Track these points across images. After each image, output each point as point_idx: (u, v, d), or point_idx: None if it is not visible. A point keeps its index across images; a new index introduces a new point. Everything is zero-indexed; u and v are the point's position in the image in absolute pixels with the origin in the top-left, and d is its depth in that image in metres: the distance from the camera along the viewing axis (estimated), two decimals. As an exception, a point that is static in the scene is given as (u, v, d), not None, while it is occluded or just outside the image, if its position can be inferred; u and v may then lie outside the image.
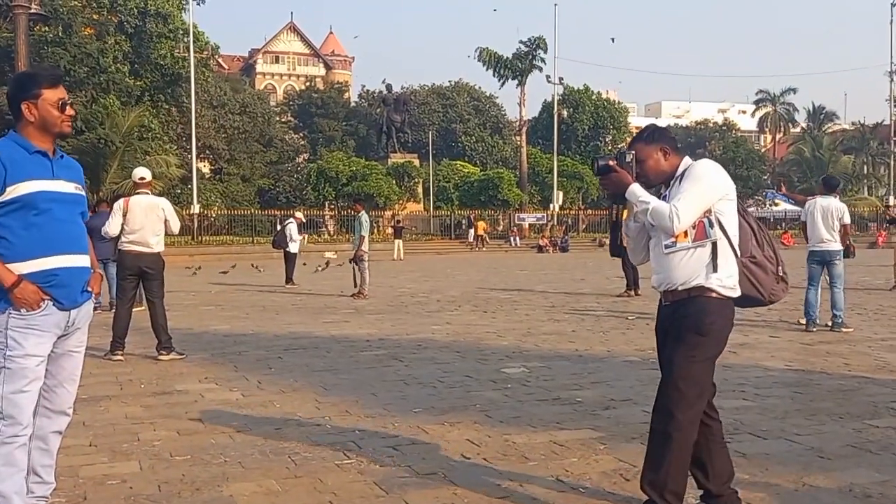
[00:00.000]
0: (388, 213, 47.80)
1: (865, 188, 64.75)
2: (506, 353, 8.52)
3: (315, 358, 8.34)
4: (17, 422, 3.25)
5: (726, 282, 3.49)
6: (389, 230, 44.13)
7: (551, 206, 52.59)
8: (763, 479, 4.27)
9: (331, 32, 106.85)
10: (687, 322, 3.49)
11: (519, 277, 22.21)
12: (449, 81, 79.23)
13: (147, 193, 8.43)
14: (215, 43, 50.48)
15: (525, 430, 5.30)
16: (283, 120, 75.00)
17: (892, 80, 52.85)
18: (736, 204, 3.58)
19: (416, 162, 54.52)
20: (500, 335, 9.92)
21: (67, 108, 3.43)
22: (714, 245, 3.47)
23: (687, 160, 3.63)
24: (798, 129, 79.32)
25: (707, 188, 3.47)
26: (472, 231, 46.82)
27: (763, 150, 79.15)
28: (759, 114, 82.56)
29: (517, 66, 56.05)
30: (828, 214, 10.08)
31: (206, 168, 60.00)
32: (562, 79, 56.59)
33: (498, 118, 77.49)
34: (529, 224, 52.68)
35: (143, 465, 4.63)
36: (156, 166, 36.66)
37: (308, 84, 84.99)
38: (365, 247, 15.91)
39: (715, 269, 3.46)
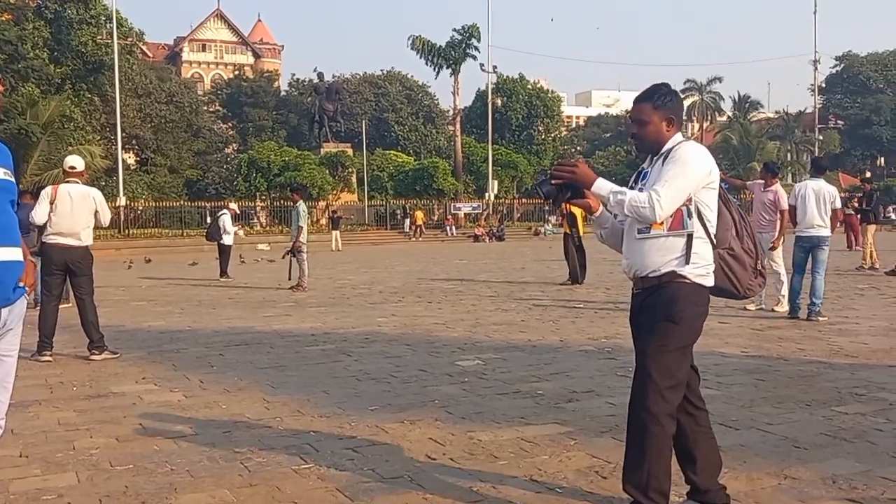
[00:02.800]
0: (323, 204, 47.16)
1: (790, 175, 66.34)
2: (457, 344, 8.27)
3: (259, 354, 7.96)
4: (-59, 436, 2.87)
5: (700, 270, 3.31)
6: (324, 221, 43.58)
7: (486, 195, 52.71)
8: (744, 471, 4.12)
9: (259, 20, 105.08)
10: (658, 310, 3.31)
11: (459, 267, 22.01)
12: (381, 70, 78.73)
13: (77, 183, 7.91)
14: (139, 30, 49.05)
15: (489, 427, 5.06)
16: (211, 109, 73.47)
17: (815, 68, 54.27)
18: (718, 192, 3.38)
19: (350, 151, 53.93)
20: (449, 326, 9.67)
21: None
22: (689, 237, 3.28)
23: (677, 137, 3.41)
24: (724, 118, 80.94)
25: (692, 174, 3.26)
26: (408, 221, 46.56)
27: (691, 138, 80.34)
28: (686, 103, 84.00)
29: (450, 55, 55.88)
30: (821, 198, 9.70)
31: (131, 159, 58.42)
32: (495, 67, 56.72)
33: (431, 107, 77.27)
34: (465, 213, 52.64)
35: (81, 476, 4.24)
36: (79, 155, 35.45)
37: (236, 73, 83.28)
38: (303, 238, 15.48)
39: (687, 262, 3.28)
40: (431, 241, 42.90)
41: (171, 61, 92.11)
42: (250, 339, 9.00)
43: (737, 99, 79.38)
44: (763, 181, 10.83)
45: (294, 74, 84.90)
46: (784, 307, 10.15)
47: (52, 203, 7.66)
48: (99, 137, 47.76)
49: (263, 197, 50.15)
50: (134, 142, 55.44)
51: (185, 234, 39.97)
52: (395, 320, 10.38)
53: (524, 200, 57.85)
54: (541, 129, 66.08)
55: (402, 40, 70.08)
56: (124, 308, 12.52)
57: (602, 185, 3.28)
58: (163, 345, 8.71)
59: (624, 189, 3.30)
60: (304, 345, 8.52)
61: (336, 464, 4.38)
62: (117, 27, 41.30)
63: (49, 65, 39.66)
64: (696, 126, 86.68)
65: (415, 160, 60.60)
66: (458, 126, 58.22)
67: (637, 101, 3.43)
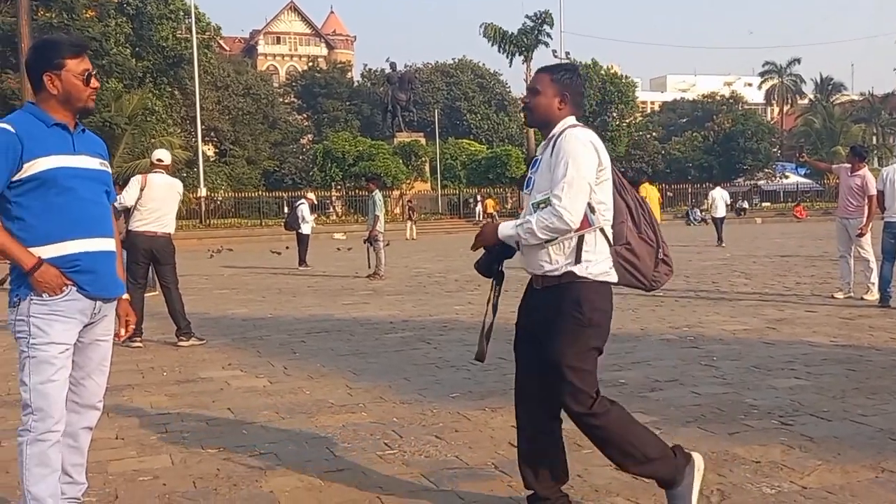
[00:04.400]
0: (396, 193, 47.49)
1: (875, 159, 64.04)
2: (536, 332, 8.23)
3: (339, 342, 8.07)
4: (47, 415, 2.98)
5: (597, 268, 3.13)
6: (398, 210, 43.90)
7: (560, 182, 52.20)
8: (838, 464, 3.99)
9: (332, 12, 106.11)
10: (563, 312, 3.13)
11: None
12: (453, 59, 78.64)
13: (163, 174, 8.16)
14: (217, 24, 50.06)
15: (572, 415, 5.01)
16: (286, 101, 74.54)
17: (902, 49, 52.11)
18: (611, 181, 3.18)
19: (423, 141, 54.14)
20: (527, 314, 9.62)
21: (92, 80, 3.13)
22: (581, 237, 3.09)
23: (566, 122, 3.20)
24: (805, 101, 78.61)
25: (584, 168, 3.04)
26: (479, 209, 46.52)
27: (771, 122, 78.38)
28: (765, 86, 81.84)
29: (522, 42, 55.49)
30: None
31: (210, 151, 59.70)
32: (568, 53, 56.03)
33: (503, 95, 76.89)
34: (538, 201, 52.30)
35: (175, 458, 4.37)
36: (160, 148, 36.43)
37: (310, 64, 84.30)
38: (380, 227, 15.61)
39: (577, 261, 3.10)
40: (505, 230, 42.77)
41: (248, 54, 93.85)
42: (330, 326, 9.13)
43: (819, 81, 76.96)
44: (850, 165, 10.46)
45: (366, 65, 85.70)
46: (874, 295, 9.82)
47: (141, 190, 7.90)
48: (179, 130, 48.98)
49: (339, 187, 50.75)
50: (213, 134, 56.65)
51: (263, 223, 40.79)
52: (472, 308, 10.39)
53: (598, 188, 57.23)
54: (615, 115, 65.23)
55: (474, 28, 70.13)
56: (208, 296, 12.84)
57: (506, 228, 3.15)
58: (246, 332, 8.90)
59: (526, 217, 3.11)
60: (383, 332, 8.61)
61: (420, 450, 4.41)
62: (195, 22, 42.24)
63: (131, 60, 40.77)
64: (776, 110, 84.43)
65: (487, 148, 60.46)
66: (530, 113, 57.81)
67: (538, 70, 3.34)
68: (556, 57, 53.37)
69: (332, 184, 50.57)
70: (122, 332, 3.35)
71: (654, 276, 3.30)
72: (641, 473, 3.31)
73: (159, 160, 8.27)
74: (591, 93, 62.41)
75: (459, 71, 75.82)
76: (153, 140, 36.68)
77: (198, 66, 41.55)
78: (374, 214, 15.66)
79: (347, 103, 74.76)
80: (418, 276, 15.96)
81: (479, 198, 48.47)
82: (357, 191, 48.28)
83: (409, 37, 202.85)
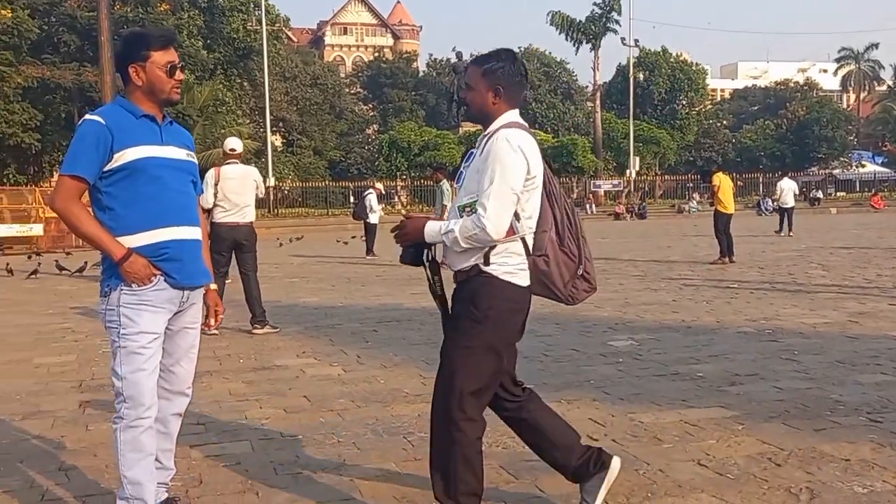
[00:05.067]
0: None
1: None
2: (608, 324, 8.15)
3: (410, 331, 8.10)
4: (138, 403, 3.04)
5: (506, 268, 3.01)
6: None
7: (627, 172, 51.63)
8: (934, 464, 3.84)
9: (398, 2, 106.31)
10: (462, 306, 3.05)
11: (601, 245, 21.65)
12: (519, 48, 78.00)
13: (237, 163, 8.27)
14: (285, 15, 50.68)
15: (650, 409, 4.94)
16: (352, 91, 75.10)
17: None
18: (541, 190, 3.05)
19: (488, 130, 53.93)
20: (598, 306, 9.51)
21: (177, 72, 3.17)
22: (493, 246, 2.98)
23: (506, 117, 3.07)
24: (883, 87, 76.01)
25: (511, 175, 2.91)
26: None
27: (847, 109, 76.01)
28: (841, 72, 79.45)
29: (590, 29, 54.88)
30: None
31: (278, 141, 60.53)
32: (637, 41, 55.19)
33: (569, 84, 76.14)
34: (605, 191, 51.80)
35: (255, 445, 4.44)
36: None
37: (376, 55, 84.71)
38: (447, 216, 15.59)
39: (487, 263, 2.99)
40: (571, 220, 42.45)
41: (315, 45, 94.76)
42: (400, 315, 9.17)
43: (898, 66, 74.24)
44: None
45: (432, 55, 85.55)
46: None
47: (216, 185, 8.02)
48: (248, 120, 49.80)
49: (404, 177, 51.00)
50: (281, 124, 57.42)
51: (329, 213, 41.27)
52: (542, 299, 10.29)
53: (667, 177, 56.41)
54: (684, 103, 64.06)
55: (540, 17, 69.50)
56: (279, 284, 13.03)
57: (432, 231, 3.03)
58: (318, 320, 9.00)
59: (450, 224, 2.99)
60: (453, 322, 8.59)
61: (497, 441, 4.38)
62: (265, 14, 42.80)
63: (203, 52, 41.50)
64: (853, 97, 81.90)
65: (553, 137, 59.97)
66: (597, 102, 57.18)
67: (470, 63, 3.19)
68: (624, 45, 52.68)
69: (398, 174, 50.84)
70: (213, 321, 3.40)
71: (572, 291, 3.17)
72: (442, 501, 3.11)
73: (232, 149, 8.38)
74: (660, 81, 61.45)
75: (525, 59, 74.69)
76: (223, 131, 37.35)
77: (267, 57, 42.12)
78: (441, 204, 15.67)
79: (413, 93, 74.93)
80: (486, 265, 15.90)
81: None
82: (422, 180, 48.45)
83: (475, 26, 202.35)
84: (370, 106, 75.63)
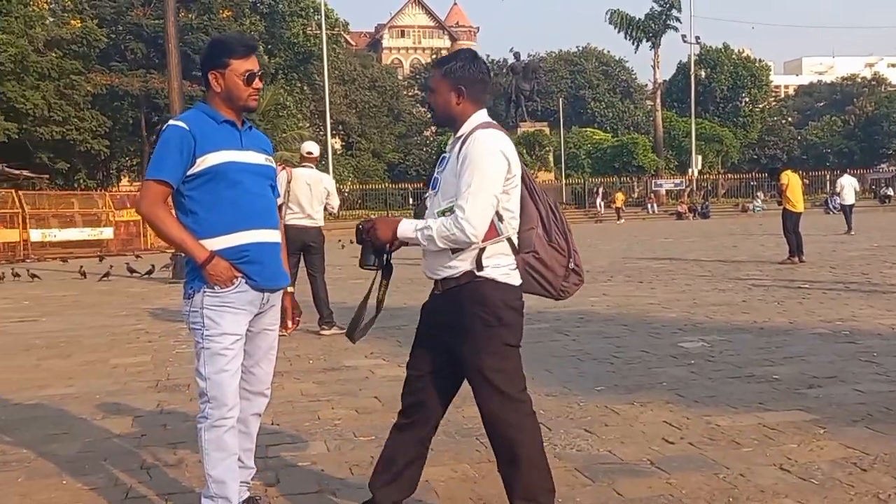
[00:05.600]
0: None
1: None
2: (677, 325, 8.02)
3: (477, 332, 8.08)
4: (221, 403, 3.09)
5: (500, 271, 2.96)
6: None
7: (689, 171, 50.88)
8: None
9: (455, 4, 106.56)
10: (468, 316, 2.96)
11: (665, 245, 21.41)
12: (577, 47, 77.79)
13: (311, 168, 8.37)
14: (344, 20, 51.19)
15: (726, 412, 4.85)
16: (410, 94, 75.49)
17: None
18: (521, 188, 2.99)
19: (546, 130, 53.74)
20: (665, 307, 9.40)
21: (255, 81, 3.19)
22: (483, 248, 2.92)
23: (476, 118, 3.00)
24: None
25: (490, 176, 2.85)
26: (599, 201, 45.64)
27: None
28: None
29: (650, 27, 54.33)
30: None
31: (338, 144, 61.18)
32: (698, 38, 54.35)
33: (628, 82, 75.51)
34: (667, 190, 51.13)
35: (330, 445, 4.48)
36: (291, 142, 37.56)
37: (434, 56, 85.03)
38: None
39: (479, 269, 2.92)
40: (633, 219, 42.01)
41: (373, 48, 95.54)
42: (465, 317, 9.15)
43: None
44: None
45: (489, 55, 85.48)
46: None
47: (287, 183, 8.10)
48: (308, 124, 50.44)
49: (462, 177, 51.02)
50: (340, 127, 58.02)
51: (389, 214, 41.46)
52: (607, 300, 10.23)
53: (730, 175, 55.40)
54: (747, 100, 62.93)
55: (599, 15, 68.88)
56: (343, 286, 13.11)
57: (406, 229, 2.95)
58: (385, 321, 8.95)
59: (428, 222, 2.92)
60: (519, 323, 8.56)
61: (571, 443, 4.35)
62: (325, 18, 43.29)
63: (264, 57, 42.16)
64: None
65: (612, 137, 59.49)
66: (658, 100, 56.51)
67: (432, 65, 3.11)
68: (685, 42, 51.92)
69: (457, 175, 50.88)
70: (290, 324, 3.44)
71: (563, 286, 3.11)
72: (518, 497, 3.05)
73: (309, 153, 8.47)
74: (721, 78, 60.46)
75: (584, 59, 74.86)
76: (284, 134, 37.86)
77: (327, 61, 42.58)
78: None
79: (471, 94, 74.99)
80: (548, 266, 15.82)
81: (599, 190, 47.39)
82: (481, 181, 48.32)
83: (532, 26, 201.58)
84: (428, 108, 75.92)
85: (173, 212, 3.19)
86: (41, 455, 4.46)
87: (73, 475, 4.10)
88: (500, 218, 2.92)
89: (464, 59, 3.02)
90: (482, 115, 3.02)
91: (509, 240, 2.98)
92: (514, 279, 3.00)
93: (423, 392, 3.20)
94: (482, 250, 2.91)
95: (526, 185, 3.02)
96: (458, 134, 2.99)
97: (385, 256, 3.07)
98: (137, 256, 23.53)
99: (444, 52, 78.51)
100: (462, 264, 2.93)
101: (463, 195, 2.82)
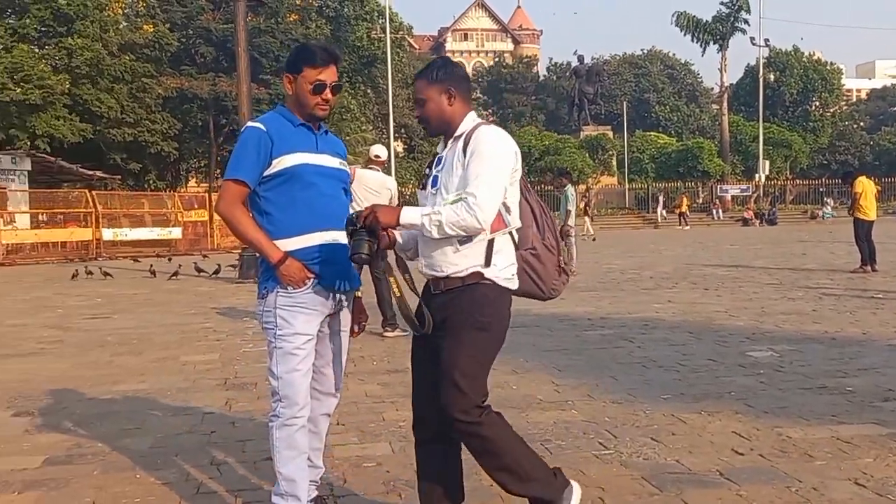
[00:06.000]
0: (582, 188, 47.01)
1: None
2: (745, 334, 7.87)
3: (540, 337, 8.06)
4: (293, 402, 3.15)
5: (505, 273, 2.98)
6: (582, 205, 43.48)
7: (756, 176, 49.86)
8: None
9: (518, 7, 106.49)
10: (463, 316, 2.93)
11: (730, 252, 21.03)
12: (641, 50, 77.00)
13: (377, 171, 8.44)
14: (408, 23, 51.48)
15: (798, 423, 4.74)
16: (472, 97, 75.54)
17: None
18: (519, 184, 3.02)
19: (610, 134, 53.28)
20: (732, 314, 9.24)
21: (325, 91, 3.21)
22: (492, 239, 2.92)
23: (472, 118, 3.04)
24: None
25: (502, 165, 2.90)
26: (660, 210, 44.85)
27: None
28: None
29: (717, 30, 53.45)
30: None
31: (400, 147, 61.51)
32: (767, 40, 53.21)
33: (694, 86, 74.45)
34: (732, 196, 50.20)
35: (394, 447, 4.51)
36: (354, 145, 37.94)
37: (496, 60, 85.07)
38: (571, 221, 15.49)
39: (488, 264, 2.92)
40: (697, 225, 41.36)
41: (436, 52, 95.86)
42: (529, 321, 9.11)
43: None
44: None
45: (552, 58, 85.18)
46: None
47: (350, 182, 8.17)
48: (371, 127, 50.82)
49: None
50: (403, 130, 58.26)
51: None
52: (672, 307, 10.09)
53: (799, 181, 54.14)
54: (817, 104, 61.41)
55: (664, 18, 68.16)
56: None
57: (410, 215, 2.91)
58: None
59: (437, 209, 2.89)
60: (582, 329, 8.51)
61: (637, 451, 4.31)
62: (389, 22, 43.58)
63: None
64: None
65: (677, 141, 58.67)
66: (724, 104, 55.51)
67: (415, 79, 3.09)
68: (754, 44, 50.94)
69: (518, 178, 50.75)
70: (356, 328, 3.47)
71: (554, 284, 3.14)
72: (521, 493, 3.06)
73: (377, 156, 8.54)
74: (791, 81, 59.14)
75: (648, 62, 74.05)
76: (348, 137, 38.21)
77: (391, 64, 42.84)
78: (566, 209, 15.54)
79: (533, 98, 74.86)
80: (610, 272, 15.70)
81: (659, 197, 46.38)
82: (541, 185, 48.16)
83: (596, 29, 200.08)
84: (490, 111, 75.96)
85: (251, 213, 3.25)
86: (115, 449, 4.58)
87: (146, 469, 4.21)
88: (508, 210, 2.95)
89: (442, 63, 3.09)
90: (475, 116, 3.07)
91: (512, 234, 3.00)
92: (514, 284, 3.03)
93: (426, 405, 3.15)
94: (491, 244, 2.93)
95: (520, 184, 3.07)
96: (458, 133, 3.02)
97: (377, 250, 2.99)
98: (204, 256, 23.99)
99: (507, 55, 78.22)
100: (469, 261, 2.93)
101: (473, 183, 2.84)
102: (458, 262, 2.94)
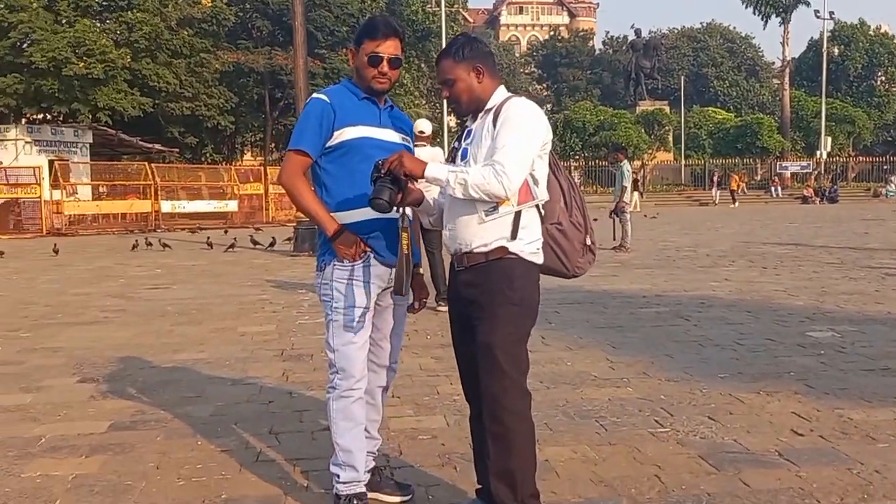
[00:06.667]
0: (637, 164, 46.44)
1: None
2: (804, 314, 7.72)
3: (594, 314, 8.02)
4: (349, 374, 3.18)
5: (530, 247, 2.93)
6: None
7: (817, 153, 48.68)
8: None
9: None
10: (494, 293, 2.89)
11: (790, 230, 20.62)
12: (700, 23, 75.37)
13: (425, 145, 8.43)
14: (463, -3, 51.11)
15: (859, 405, 4.65)
16: (527, 71, 75.00)
17: None
18: (549, 159, 2.99)
19: (666, 109, 52.45)
20: (792, 294, 9.07)
21: (382, 64, 3.19)
22: (519, 212, 2.87)
23: (502, 91, 2.99)
24: None
25: (532, 136, 2.85)
26: (715, 190, 43.90)
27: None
28: None
29: (780, 2, 52.12)
30: None
31: (453, 122, 61.37)
32: (832, 13, 51.69)
33: (754, 60, 72.74)
34: (792, 173, 49.13)
35: (449, 420, 4.54)
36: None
37: (552, 33, 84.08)
38: (626, 198, 15.33)
39: (514, 237, 2.88)
40: (755, 203, 40.60)
41: (490, 25, 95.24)
42: (582, 297, 9.08)
43: None
44: None
45: (608, 32, 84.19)
46: None
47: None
48: (425, 101, 50.78)
49: (577, 157, 50.43)
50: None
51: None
52: (729, 285, 9.94)
53: (861, 158, 52.72)
54: (883, 79, 59.68)
55: (725, -10, 66.35)
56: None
57: (437, 169, 2.87)
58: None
59: (464, 168, 2.86)
60: (637, 306, 8.44)
61: (694, 430, 4.27)
62: (444, -5, 43.36)
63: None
64: None
65: (736, 117, 57.49)
66: (786, 79, 54.22)
67: (437, 61, 3.02)
68: (818, 17, 49.49)
69: (571, 154, 50.32)
70: (416, 305, 3.47)
71: (579, 263, 3.10)
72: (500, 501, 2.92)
73: (420, 132, 8.52)
74: (856, 55, 57.50)
75: (707, 35, 72.52)
76: (401, 112, 38.20)
77: (445, 38, 42.67)
78: (621, 185, 15.38)
79: (588, 72, 73.93)
80: (665, 249, 15.51)
81: (714, 177, 44.96)
82: (596, 161, 47.78)
83: (654, 2, 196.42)
84: (544, 85, 75.32)
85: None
86: (177, 416, 4.70)
87: (207, 437, 4.30)
88: (536, 182, 2.92)
89: (466, 41, 3.04)
90: (505, 90, 3.03)
91: (539, 207, 2.97)
92: (540, 258, 2.99)
93: (471, 377, 3.11)
94: (518, 217, 2.89)
95: (549, 158, 3.04)
96: (488, 107, 2.99)
97: (402, 201, 2.95)
98: (258, 229, 24.33)
99: (563, 29, 77.37)
100: (494, 236, 2.89)
101: (501, 151, 2.80)
102: (483, 236, 2.91)
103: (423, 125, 8.65)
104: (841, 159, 52.32)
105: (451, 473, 3.75)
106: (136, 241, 18.59)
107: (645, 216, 28.90)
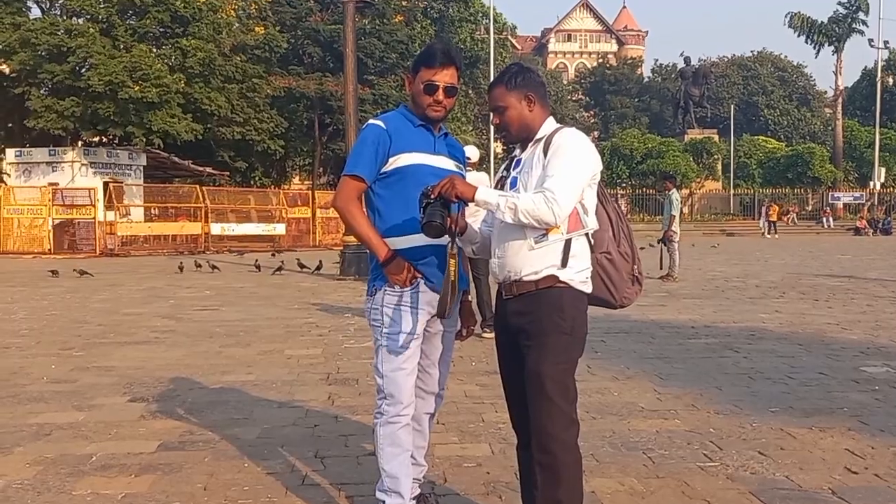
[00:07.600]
0: (685, 192, 46.03)
1: None
2: (858, 348, 7.56)
3: (641, 343, 7.94)
4: (397, 400, 3.18)
5: (580, 276, 2.92)
6: (685, 210, 42.54)
7: (870, 183, 47.77)
8: None
9: (624, 7, 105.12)
10: (544, 322, 2.87)
11: (842, 262, 20.22)
12: (751, 52, 74.90)
13: (471, 171, 8.47)
14: (512, 24, 51.50)
15: (916, 444, 4.53)
16: (574, 98, 74.97)
17: None
18: (597, 188, 3.00)
19: (715, 137, 51.98)
20: (845, 327, 8.88)
21: (437, 92, 3.22)
22: (569, 240, 2.88)
23: (551, 122, 3.02)
24: None
25: (583, 165, 2.87)
26: (763, 221, 43.17)
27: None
28: None
29: (833, 31, 51.50)
30: None
31: (499, 148, 61.52)
32: (887, 42, 50.93)
33: (806, 89, 71.89)
34: (844, 203, 48.25)
35: (494, 448, 4.52)
36: (455, 146, 38.19)
37: (600, 61, 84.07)
38: (675, 227, 15.18)
39: (564, 265, 2.87)
40: (805, 234, 39.91)
41: (538, 52, 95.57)
42: (628, 327, 9.00)
43: None
44: None
45: (657, 60, 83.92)
46: None
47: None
48: (471, 128, 51.01)
49: (624, 185, 50.16)
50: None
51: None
52: (779, 317, 9.77)
53: (917, 190, 51.60)
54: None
55: (775, 19, 66.25)
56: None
57: (487, 193, 2.86)
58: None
59: (514, 193, 2.86)
60: (685, 337, 8.34)
61: (744, 465, 4.19)
62: (493, 23, 43.69)
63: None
64: None
65: (786, 146, 56.76)
66: (839, 108, 53.41)
67: (489, 88, 3.02)
68: (872, 46, 48.81)
69: (618, 182, 50.07)
70: (464, 332, 3.47)
71: (626, 293, 3.08)
72: None
73: (468, 158, 8.55)
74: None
75: (758, 64, 71.89)
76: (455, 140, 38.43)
77: (493, 65, 42.95)
78: (669, 214, 15.25)
79: (636, 100, 73.71)
80: (714, 279, 15.31)
81: (763, 209, 44.00)
82: (643, 189, 47.47)
83: (704, 30, 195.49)
84: (592, 112, 75.20)
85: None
86: (225, 438, 4.74)
87: (254, 459, 4.34)
88: (586, 210, 2.93)
89: (519, 69, 3.07)
90: (554, 121, 3.07)
91: (588, 236, 2.97)
92: (589, 287, 2.98)
93: (519, 406, 3.09)
94: (568, 245, 2.89)
95: (598, 189, 3.06)
96: (538, 137, 3.00)
97: (451, 224, 2.94)
98: (296, 258, 24.50)
99: (611, 56, 77.46)
100: (545, 263, 2.88)
101: (552, 179, 2.82)
102: (533, 263, 2.90)
103: (471, 152, 8.68)
104: (895, 190, 51.28)
105: (495, 502, 3.73)
106: (182, 263, 18.89)
107: (693, 245, 28.58)
